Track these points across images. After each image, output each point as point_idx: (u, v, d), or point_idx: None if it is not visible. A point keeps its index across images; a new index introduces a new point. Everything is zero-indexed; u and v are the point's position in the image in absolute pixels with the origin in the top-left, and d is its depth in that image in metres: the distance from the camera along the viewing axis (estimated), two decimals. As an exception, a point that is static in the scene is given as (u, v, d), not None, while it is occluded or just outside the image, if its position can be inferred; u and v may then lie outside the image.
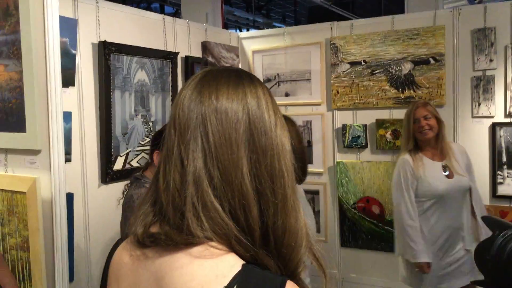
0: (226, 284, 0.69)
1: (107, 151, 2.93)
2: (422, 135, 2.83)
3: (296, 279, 0.78)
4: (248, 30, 11.32)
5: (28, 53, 1.66)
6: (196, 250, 0.73)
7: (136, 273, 0.80)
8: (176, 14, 8.52)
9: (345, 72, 3.80)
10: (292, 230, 0.77)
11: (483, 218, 0.92)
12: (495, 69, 3.34)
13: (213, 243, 0.73)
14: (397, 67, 3.61)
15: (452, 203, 2.78)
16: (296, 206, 0.79)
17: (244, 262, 0.72)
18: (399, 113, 3.63)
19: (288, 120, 2.00)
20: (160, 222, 0.78)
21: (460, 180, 2.78)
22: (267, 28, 11.21)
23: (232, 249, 0.73)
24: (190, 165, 0.75)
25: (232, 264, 0.72)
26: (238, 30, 11.44)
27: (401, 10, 6.34)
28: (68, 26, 2.66)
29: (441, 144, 2.85)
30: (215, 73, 0.84)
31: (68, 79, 2.70)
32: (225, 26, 9.98)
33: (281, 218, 0.76)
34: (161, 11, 9.31)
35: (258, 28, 11.05)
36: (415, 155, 2.84)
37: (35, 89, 1.65)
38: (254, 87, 0.82)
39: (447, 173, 2.80)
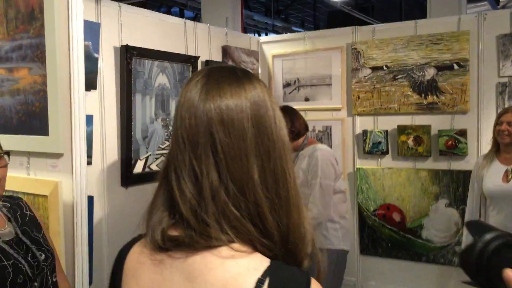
0: (259, 275, 0.74)
1: (127, 155, 2.93)
2: (499, 138, 2.91)
3: None
4: (267, 34, 11.33)
5: (52, 57, 1.66)
6: (224, 251, 0.77)
7: (161, 275, 0.82)
8: (196, 18, 8.56)
9: (366, 77, 3.76)
10: (296, 227, 0.81)
11: (466, 224, 0.91)
12: (521, 75, 3.27)
13: (236, 245, 0.77)
14: (420, 73, 3.55)
15: (505, 206, 2.85)
16: (298, 203, 0.83)
17: (270, 259, 0.77)
18: (421, 119, 3.58)
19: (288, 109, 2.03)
20: (181, 226, 0.80)
21: None
22: (286, 33, 11.20)
23: (256, 250, 0.78)
24: (205, 180, 0.78)
25: (260, 260, 0.77)
26: (257, 35, 11.45)
27: (422, 15, 6.27)
28: (91, 30, 2.67)
29: None
30: (216, 77, 0.85)
31: (90, 83, 2.71)
32: (245, 30, 10.00)
33: (285, 217, 0.80)
34: (181, 15, 9.37)
35: (277, 32, 11.04)
36: (489, 156, 2.99)
37: (59, 93, 1.66)
38: (255, 89, 0.84)
39: (508, 177, 2.85)
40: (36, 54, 1.70)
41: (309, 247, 0.83)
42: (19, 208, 1.47)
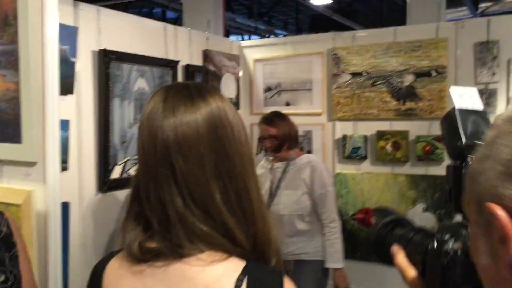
0: (238, 275, 0.81)
1: (104, 160, 2.90)
2: None
3: None
4: (249, 37, 11.34)
5: (25, 64, 1.63)
6: (203, 258, 0.82)
7: (143, 284, 0.85)
8: (178, 19, 8.52)
9: (346, 83, 3.79)
10: (262, 234, 0.88)
11: (374, 209, 0.98)
12: (497, 82, 3.33)
13: (212, 253, 0.83)
14: (398, 79, 3.59)
15: None
16: (262, 212, 0.89)
17: (245, 260, 0.84)
18: (400, 125, 3.62)
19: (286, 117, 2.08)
20: (157, 238, 0.85)
21: None
22: (268, 35, 11.21)
23: (230, 255, 0.84)
24: (170, 206, 0.83)
25: (236, 262, 0.83)
26: (240, 36, 11.45)
27: (403, 20, 6.34)
28: (68, 34, 2.65)
29: None
30: (172, 97, 0.88)
31: (67, 87, 2.68)
32: (227, 32, 9.99)
33: (252, 227, 0.86)
34: (163, 16, 9.31)
35: (259, 35, 11.05)
36: None
37: (32, 101, 1.63)
38: (208, 105, 0.86)
39: None
40: (10, 61, 1.67)
41: (275, 251, 0.90)
42: None
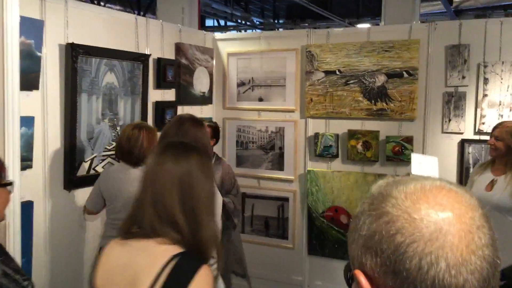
0: (172, 255, 1.29)
1: (71, 157, 2.84)
2: (489, 151, 2.97)
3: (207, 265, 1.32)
4: (226, 23, 11.19)
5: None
6: (159, 241, 1.33)
7: (124, 249, 1.36)
8: (152, 4, 8.32)
9: (319, 81, 3.78)
10: (204, 236, 1.36)
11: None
12: (467, 86, 3.37)
13: (165, 239, 1.33)
14: (371, 79, 3.60)
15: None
16: (207, 221, 1.38)
17: (183, 250, 1.32)
18: (371, 125, 3.64)
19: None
20: (138, 228, 1.39)
21: (491, 195, 2.82)
22: (245, 22, 11.08)
23: (176, 244, 1.33)
24: (146, 213, 1.38)
25: (177, 248, 1.31)
26: (215, 21, 11.29)
27: (379, 12, 6.34)
28: (34, 28, 2.55)
29: (509, 164, 2.87)
30: (164, 154, 1.46)
31: (32, 82, 2.60)
32: (202, 18, 9.82)
33: (198, 230, 1.35)
34: (138, 2, 9.09)
35: (236, 21, 10.92)
36: (485, 165, 3.01)
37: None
38: (190, 164, 1.42)
39: (492, 186, 2.88)
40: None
41: (213, 251, 1.41)
42: None
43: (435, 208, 0.61)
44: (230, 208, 3.24)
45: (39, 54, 2.60)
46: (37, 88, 2.64)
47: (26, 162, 2.59)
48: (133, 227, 1.37)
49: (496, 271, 0.61)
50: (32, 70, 2.58)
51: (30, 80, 2.57)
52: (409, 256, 0.59)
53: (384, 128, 3.59)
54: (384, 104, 3.57)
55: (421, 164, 0.74)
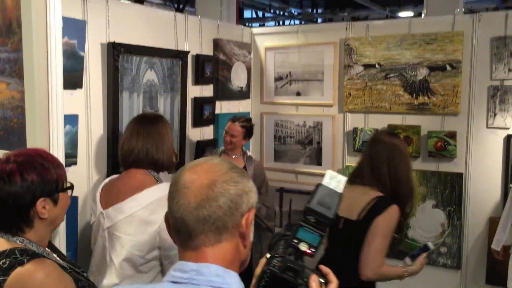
0: (376, 196, 2.20)
1: (113, 153, 2.91)
2: None
3: None
4: (264, 14, 11.15)
5: (29, 74, 1.62)
6: (370, 188, 2.25)
7: (348, 190, 1.58)
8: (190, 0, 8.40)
9: (358, 74, 3.72)
10: (401, 189, 2.31)
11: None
12: (513, 79, 3.24)
13: (375, 188, 2.24)
14: (412, 72, 3.51)
15: None
16: (405, 181, 2.34)
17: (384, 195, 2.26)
18: (412, 119, 3.56)
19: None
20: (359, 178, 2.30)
21: None
22: (283, 12, 11.02)
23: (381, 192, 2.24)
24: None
25: (380, 194, 2.22)
26: (253, 13, 11.28)
27: (421, 1, 6.15)
28: (77, 28, 2.62)
29: None
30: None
31: (75, 82, 2.68)
32: (240, 10, 9.83)
33: (397, 185, 2.27)
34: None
35: (274, 12, 10.87)
36: None
37: (36, 112, 1.63)
38: (394, 144, 2.36)
39: None
40: (14, 70, 1.66)
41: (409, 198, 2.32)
42: None
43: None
44: (262, 214, 3.28)
45: (82, 53, 2.68)
46: (80, 87, 2.72)
47: (71, 159, 2.69)
48: (356, 178, 2.29)
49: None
50: (76, 70, 2.65)
51: (73, 79, 2.65)
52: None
53: (426, 123, 3.50)
54: (426, 98, 3.48)
55: (332, 179, 0.87)
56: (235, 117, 3.37)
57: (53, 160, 1.42)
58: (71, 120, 2.67)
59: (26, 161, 1.36)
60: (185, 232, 0.96)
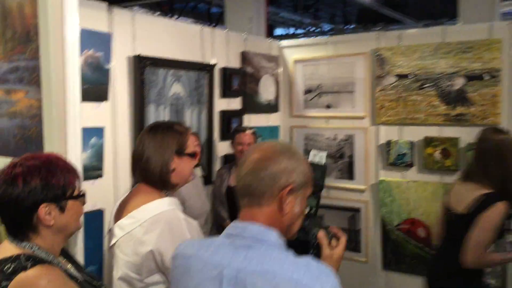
0: (484, 192, 2.36)
1: (139, 167, 2.87)
2: None
3: None
4: (295, 32, 11.13)
5: (47, 82, 1.59)
6: (480, 185, 2.39)
7: (460, 187, 2.50)
8: (222, 15, 8.47)
9: (391, 85, 3.59)
10: (509, 186, 2.43)
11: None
12: (558, 87, 3.04)
13: (485, 185, 2.38)
14: (448, 82, 3.35)
15: None
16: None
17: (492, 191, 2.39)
18: (449, 131, 3.39)
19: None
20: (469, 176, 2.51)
21: None
22: (314, 29, 10.96)
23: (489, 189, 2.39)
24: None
25: (488, 190, 2.37)
26: (284, 30, 11.27)
27: (455, 13, 5.97)
28: (102, 41, 2.61)
29: None
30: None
31: (101, 94, 2.66)
32: (271, 27, 9.84)
33: (505, 183, 2.40)
34: (208, 12, 9.28)
35: (305, 29, 10.83)
36: None
37: (54, 121, 1.59)
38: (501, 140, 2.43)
39: None
40: (32, 78, 1.63)
41: None
42: None
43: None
44: None
45: (107, 66, 2.67)
46: (106, 99, 2.71)
47: (96, 171, 2.66)
48: (467, 176, 2.44)
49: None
50: (102, 82, 2.64)
51: (99, 92, 2.64)
52: None
53: (465, 135, 3.32)
54: (464, 108, 3.31)
55: (315, 156, 1.16)
56: (240, 128, 3.34)
57: (65, 166, 1.36)
58: (97, 132, 2.65)
59: (33, 165, 1.31)
60: (239, 196, 1.22)
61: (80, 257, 1.73)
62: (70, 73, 1.62)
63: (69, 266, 1.41)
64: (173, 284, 1.27)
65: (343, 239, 1.36)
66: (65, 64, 1.61)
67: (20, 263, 1.23)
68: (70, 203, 1.35)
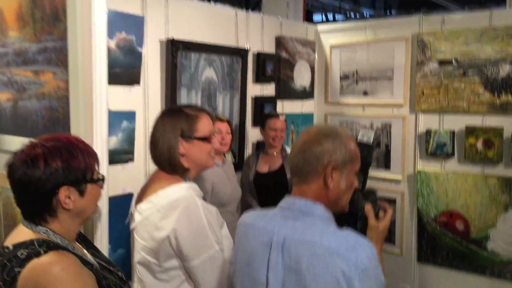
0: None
1: (170, 151, 2.86)
2: None
3: None
4: (334, 16, 10.89)
5: (74, 63, 1.57)
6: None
7: None
8: (260, 2, 8.37)
9: (433, 72, 3.43)
10: None
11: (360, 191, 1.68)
12: None
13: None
14: (493, 69, 3.17)
15: None
16: None
17: None
18: (493, 120, 3.21)
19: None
20: None
21: None
22: (355, 14, 10.70)
23: None
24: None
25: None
26: (323, 16, 11.05)
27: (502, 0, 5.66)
28: (135, 24, 2.59)
29: None
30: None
31: (133, 78, 2.65)
32: (309, 13, 9.64)
33: None
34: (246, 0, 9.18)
35: (344, 14, 10.59)
36: None
37: (80, 100, 1.57)
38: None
39: None
40: (60, 58, 1.62)
41: None
42: None
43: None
44: None
45: (140, 50, 2.65)
46: (138, 83, 2.70)
47: (127, 155, 2.66)
48: None
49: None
50: (134, 66, 2.63)
51: (131, 75, 2.62)
52: None
53: (509, 125, 3.14)
54: (510, 97, 3.12)
55: (364, 136, 1.37)
56: (272, 113, 3.28)
57: (85, 149, 1.33)
58: (128, 116, 2.65)
59: (54, 146, 1.27)
60: (291, 175, 1.37)
61: (105, 241, 1.72)
62: (97, 55, 1.59)
63: (85, 251, 1.38)
64: (235, 247, 1.44)
65: (389, 212, 1.53)
66: (92, 45, 1.58)
67: (34, 249, 1.19)
68: (90, 187, 1.32)
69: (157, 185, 1.63)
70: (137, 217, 1.62)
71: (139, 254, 1.61)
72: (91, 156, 1.33)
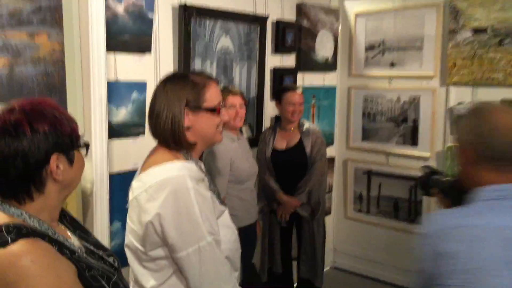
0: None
1: (183, 125, 2.72)
2: None
3: None
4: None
5: (69, 22, 1.42)
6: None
7: None
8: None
9: (466, 41, 3.18)
10: None
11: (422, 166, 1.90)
12: None
13: None
14: (534, 36, 2.92)
15: None
16: None
17: None
18: (532, 93, 2.97)
19: None
20: None
21: None
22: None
23: None
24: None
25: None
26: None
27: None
28: (145, -12, 2.43)
29: None
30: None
31: (143, 46, 2.50)
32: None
33: None
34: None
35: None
36: None
37: (75, 64, 1.42)
38: None
39: None
40: (55, 18, 1.47)
41: None
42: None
43: None
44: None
45: (151, 16, 2.49)
46: (149, 51, 2.54)
47: (138, 128, 2.53)
48: None
49: None
50: (144, 33, 2.47)
51: (141, 43, 2.47)
52: None
53: (550, 98, 2.90)
54: (552, 67, 2.87)
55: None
56: (290, 86, 3.11)
57: (65, 113, 1.16)
58: (138, 87, 2.51)
59: (35, 110, 1.08)
60: (494, 159, 1.23)
61: (105, 217, 1.59)
62: (94, 17, 1.43)
63: (69, 234, 1.21)
64: (461, 256, 1.19)
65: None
66: (89, 5, 1.43)
67: (1, 237, 1.00)
68: (77, 155, 1.16)
69: (151, 161, 1.44)
70: (130, 196, 1.45)
71: (127, 237, 1.45)
72: (73, 121, 1.17)
